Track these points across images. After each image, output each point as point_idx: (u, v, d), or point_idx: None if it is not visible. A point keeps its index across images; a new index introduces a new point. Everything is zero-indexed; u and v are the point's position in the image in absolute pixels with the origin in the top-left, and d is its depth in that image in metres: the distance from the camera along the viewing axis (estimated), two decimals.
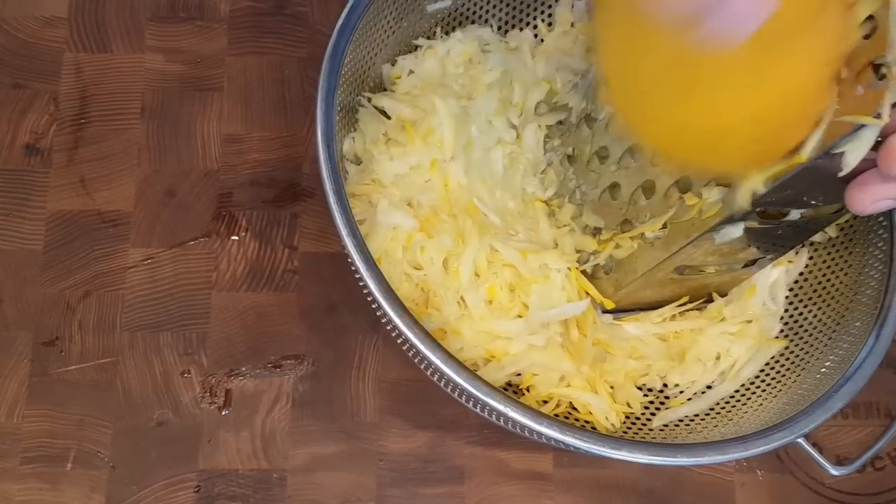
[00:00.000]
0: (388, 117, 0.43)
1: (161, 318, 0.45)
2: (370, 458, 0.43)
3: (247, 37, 0.50)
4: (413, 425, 0.44)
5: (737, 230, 0.33)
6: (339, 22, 0.37)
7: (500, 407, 0.31)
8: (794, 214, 0.32)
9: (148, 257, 0.46)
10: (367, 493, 0.43)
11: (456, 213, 0.41)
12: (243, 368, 0.45)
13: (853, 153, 0.26)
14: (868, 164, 0.27)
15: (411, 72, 0.44)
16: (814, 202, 0.31)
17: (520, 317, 0.39)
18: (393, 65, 0.44)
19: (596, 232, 0.41)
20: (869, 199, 0.27)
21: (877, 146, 0.25)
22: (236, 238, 0.46)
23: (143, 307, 0.45)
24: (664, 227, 0.36)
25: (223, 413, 0.44)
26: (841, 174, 0.26)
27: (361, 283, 0.34)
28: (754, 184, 0.29)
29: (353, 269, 0.34)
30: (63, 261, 0.46)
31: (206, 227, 0.47)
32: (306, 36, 0.50)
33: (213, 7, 0.50)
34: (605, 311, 0.41)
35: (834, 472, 0.35)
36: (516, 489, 0.43)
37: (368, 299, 0.34)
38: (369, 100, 0.43)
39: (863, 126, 0.25)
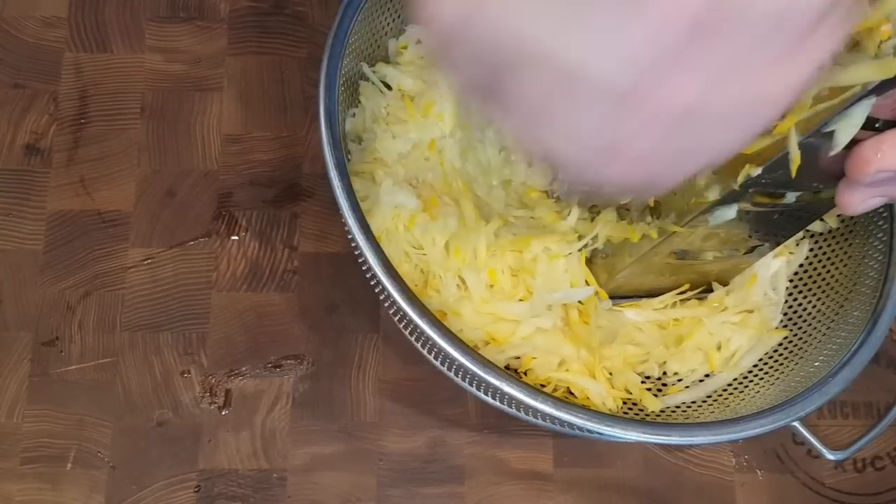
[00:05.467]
0: (391, 89, 0.43)
1: (161, 318, 0.45)
2: (370, 458, 0.43)
3: (247, 37, 0.50)
4: (413, 425, 0.44)
5: (730, 212, 0.32)
6: (345, 1, 0.37)
7: (497, 382, 0.31)
8: (791, 197, 0.32)
9: (148, 257, 0.46)
10: (367, 493, 0.43)
11: (456, 196, 0.41)
12: (243, 368, 0.45)
13: (843, 132, 0.25)
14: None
15: (419, 41, 0.44)
16: (810, 184, 0.31)
17: (522, 301, 0.39)
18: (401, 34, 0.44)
19: (592, 216, 0.41)
20: (858, 198, 0.27)
21: (868, 125, 0.25)
22: (236, 238, 0.46)
23: (143, 307, 0.45)
24: (657, 208, 0.36)
25: (223, 413, 0.44)
26: (832, 153, 0.26)
27: (361, 260, 0.33)
28: (747, 167, 0.29)
29: (354, 245, 0.33)
30: (63, 261, 0.46)
31: (206, 227, 0.47)
32: (306, 36, 0.50)
33: (213, 7, 0.50)
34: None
35: (830, 456, 0.35)
36: (516, 489, 0.43)
37: (368, 276, 0.34)
38: (371, 65, 0.42)
39: (853, 104, 0.24)
